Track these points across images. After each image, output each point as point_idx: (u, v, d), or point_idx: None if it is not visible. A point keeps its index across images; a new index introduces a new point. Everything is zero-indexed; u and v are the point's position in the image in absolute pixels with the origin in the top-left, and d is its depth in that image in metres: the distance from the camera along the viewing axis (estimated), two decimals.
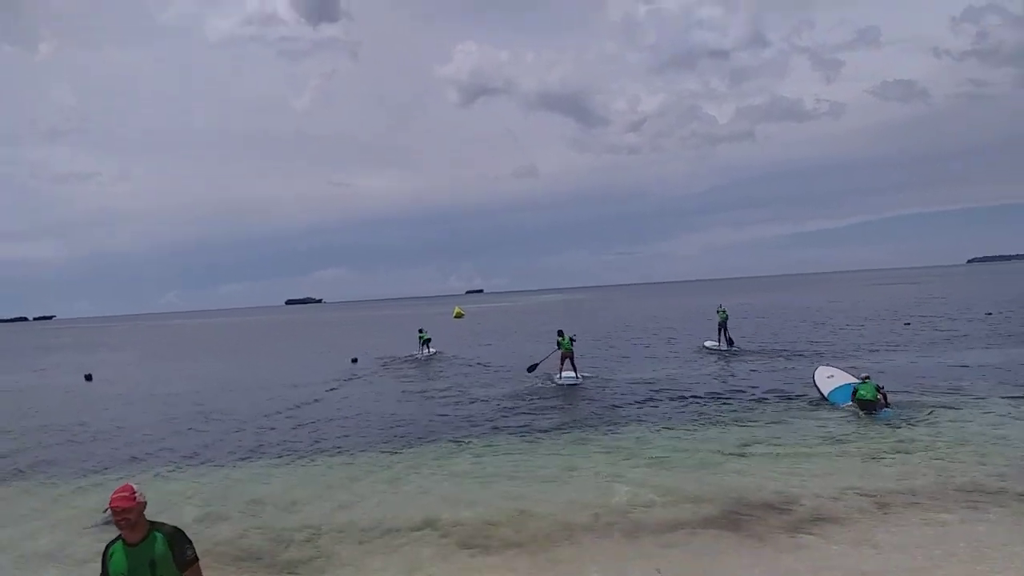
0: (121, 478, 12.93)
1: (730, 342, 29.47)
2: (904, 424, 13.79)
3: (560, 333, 22.94)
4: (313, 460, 13.94)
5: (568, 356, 22.30)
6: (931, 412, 14.67)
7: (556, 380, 22.04)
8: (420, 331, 36.72)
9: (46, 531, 10.42)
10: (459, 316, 45.97)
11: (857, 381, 15.81)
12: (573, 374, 22.08)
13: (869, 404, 14.93)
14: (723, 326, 29.74)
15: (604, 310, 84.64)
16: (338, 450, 14.64)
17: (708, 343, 30.58)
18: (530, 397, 19.81)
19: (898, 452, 11.92)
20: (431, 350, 35.46)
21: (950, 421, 13.88)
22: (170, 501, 11.43)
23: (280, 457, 14.33)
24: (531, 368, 23.05)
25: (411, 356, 34.81)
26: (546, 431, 15.17)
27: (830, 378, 17.16)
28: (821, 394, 16.66)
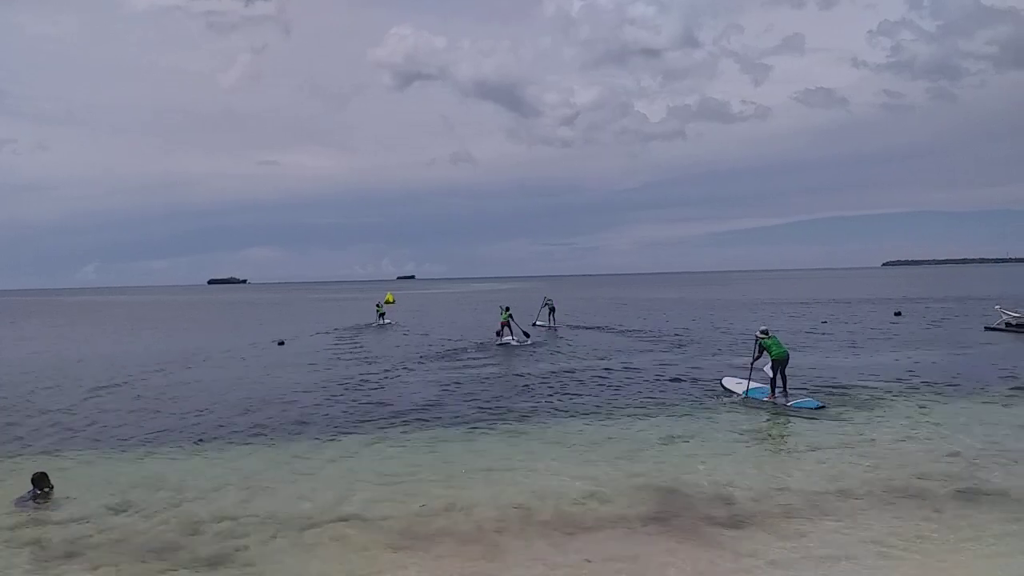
0: (30, 462, 12.23)
1: (552, 324, 38.27)
2: (820, 421, 14.26)
3: (506, 308, 31.03)
4: (232, 447, 13.48)
5: (506, 324, 29.84)
6: (846, 410, 15.20)
7: (496, 342, 29.52)
8: (377, 305, 46.41)
9: None
10: (389, 302, 46.80)
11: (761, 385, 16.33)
12: (511, 338, 29.43)
13: (784, 362, 15.81)
14: (552, 311, 39.17)
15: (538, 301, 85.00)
16: (258, 437, 14.19)
17: (538, 322, 38.69)
18: (459, 386, 19.71)
19: (817, 448, 12.29)
20: (386, 321, 44.03)
21: (865, 419, 14.38)
22: (82, 488, 10.89)
23: (197, 444, 13.81)
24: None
25: (367, 325, 43.37)
26: (474, 422, 15.08)
27: (739, 384, 17.28)
28: (738, 394, 16.66)
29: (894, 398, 16.42)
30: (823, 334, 31.99)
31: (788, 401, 15.50)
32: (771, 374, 16.00)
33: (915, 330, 32.78)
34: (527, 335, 30.38)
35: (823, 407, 15.06)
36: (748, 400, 16.24)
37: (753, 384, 16.73)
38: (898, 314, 41.15)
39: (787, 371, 16.13)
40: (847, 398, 16.46)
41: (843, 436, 13.03)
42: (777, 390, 15.94)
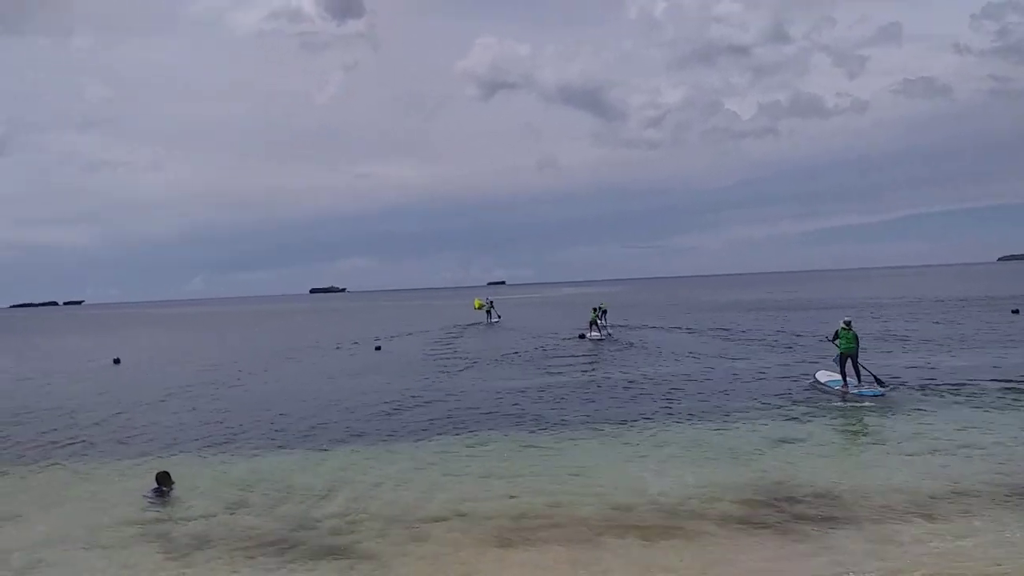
0: (157, 462, 13.15)
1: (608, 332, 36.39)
2: (933, 422, 13.68)
3: (594, 310, 35.77)
4: (336, 448, 14.09)
5: (594, 322, 34.90)
6: (964, 409, 14.57)
7: (588, 337, 33.70)
8: (483, 306, 49.42)
9: (88, 512, 10.65)
10: (480, 307, 47.47)
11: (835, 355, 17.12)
12: (598, 334, 34.04)
13: (848, 356, 16.47)
14: (604, 312, 38.24)
15: (631, 303, 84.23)
16: (360, 438, 14.79)
17: (591, 335, 35.51)
18: (554, 388, 19.87)
19: (935, 451, 11.78)
20: (494, 320, 47.04)
21: (983, 420, 13.72)
22: (204, 487, 11.66)
23: (304, 445, 14.49)
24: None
25: (471, 324, 45.81)
26: (570, 424, 15.22)
27: (827, 375, 18.15)
28: (821, 384, 17.74)
29: (1014, 399, 15.53)
30: (934, 331, 30.33)
31: (853, 390, 16.41)
32: (838, 365, 16.95)
33: None
34: (610, 333, 34.79)
35: (882, 395, 15.88)
36: (819, 386, 17.61)
37: (831, 375, 17.79)
38: (1016, 312, 38.52)
39: (863, 363, 16.91)
40: (964, 398, 15.78)
41: (959, 436, 12.48)
42: (850, 381, 16.66)
